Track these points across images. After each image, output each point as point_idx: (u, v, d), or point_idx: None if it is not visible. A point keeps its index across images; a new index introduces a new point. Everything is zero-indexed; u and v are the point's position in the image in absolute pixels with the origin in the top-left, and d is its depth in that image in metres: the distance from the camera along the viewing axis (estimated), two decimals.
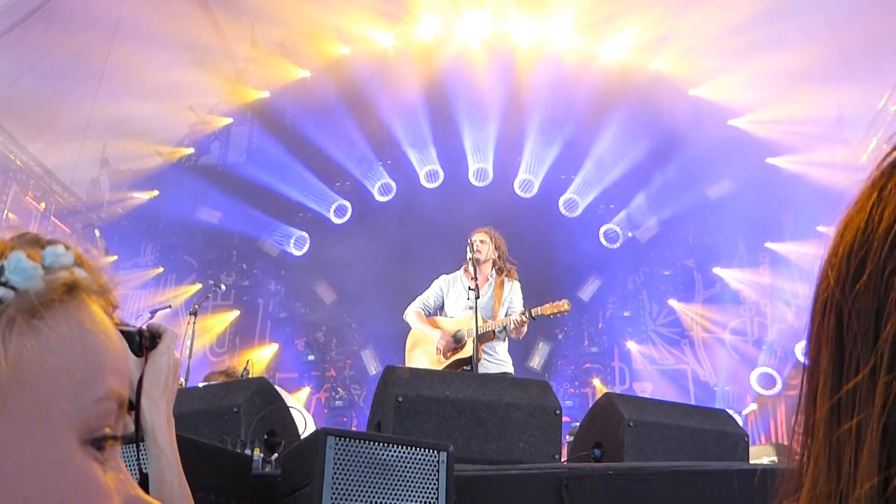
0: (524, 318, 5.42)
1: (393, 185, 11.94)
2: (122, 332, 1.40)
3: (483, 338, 5.51)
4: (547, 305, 5.48)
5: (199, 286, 11.69)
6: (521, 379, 4.07)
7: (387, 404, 3.51)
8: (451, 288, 6.13)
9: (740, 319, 11.03)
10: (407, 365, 5.91)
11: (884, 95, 10.42)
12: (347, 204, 12.01)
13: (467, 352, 5.60)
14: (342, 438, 2.56)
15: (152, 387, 1.39)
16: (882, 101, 10.48)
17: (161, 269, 12.19)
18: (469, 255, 5.87)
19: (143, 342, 1.41)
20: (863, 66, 10.00)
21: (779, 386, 10.45)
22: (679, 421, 3.96)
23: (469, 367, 5.57)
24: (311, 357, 11.44)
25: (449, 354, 5.71)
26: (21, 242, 0.70)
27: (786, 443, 9.76)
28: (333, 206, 12.01)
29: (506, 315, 5.84)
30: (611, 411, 3.89)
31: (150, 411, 1.41)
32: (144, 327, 1.45)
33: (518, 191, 11.65)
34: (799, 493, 0.59)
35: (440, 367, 5.65)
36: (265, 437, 3.60)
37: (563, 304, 5.41)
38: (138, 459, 1.35)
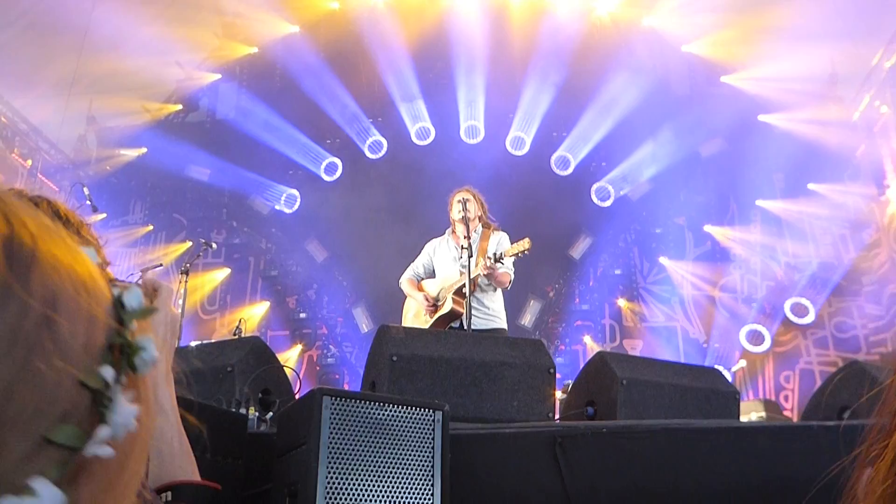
0: (489, 263, 5.43)
1: (384, 142, 11.85)
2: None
3: (462, 291, 5.53)
4: (509, 247, 5.49)
5: (189, 244, 11.64)
6: (514, 338, 4.07)
7: (381, 364, 3.51)
8: (437, 250, 6.14)
9: (730, 277, 11.08)
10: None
11: (877, 52, 10.36)
12: (338, 161, 11.93)
13: (446, 307, 5.63)
14: (337, 398, 2.56)
15: (158, 309, 1.33)
16: (876, 57, 10.43)
17: (150, 227, 12.13)
18: (459, 214, 5.85)
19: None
20: (857, 23, 9.93)
21: (767, 343, 10.54)
22: (671, 379, 3.98)
23: (457, 324, 5.61)
24: (302, 315, 11.44)
25: (432, 313, 5.74)
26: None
27: (773, 399, 9.89)
28: (324, 164, 11.93)
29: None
30: (604, 370, 3.91)
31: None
32: (139, 283, 1.44)
33: (510, 148, 11.59)
34: (884, 457, 0.58)
35: (426, 326, 5.67)
36: (260, 395, 3.61)
37: (524, 243, 5.40)
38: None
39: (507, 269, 5.62)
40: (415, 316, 6.00)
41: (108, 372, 0.55)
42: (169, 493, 1.37)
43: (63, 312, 0.53)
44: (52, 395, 0.52)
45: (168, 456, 1.42)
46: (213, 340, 6.46)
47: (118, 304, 0.58)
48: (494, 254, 5.43)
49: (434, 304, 5.72)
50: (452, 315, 5.52)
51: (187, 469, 1.42)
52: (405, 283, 6.10)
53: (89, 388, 0.54)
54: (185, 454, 1.43)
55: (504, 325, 5.82)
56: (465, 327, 5.20)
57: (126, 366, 0.57)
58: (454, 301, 5.49)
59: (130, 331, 0.58)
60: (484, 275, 5.50)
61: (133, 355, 0.58)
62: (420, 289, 6.01)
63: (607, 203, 11.46)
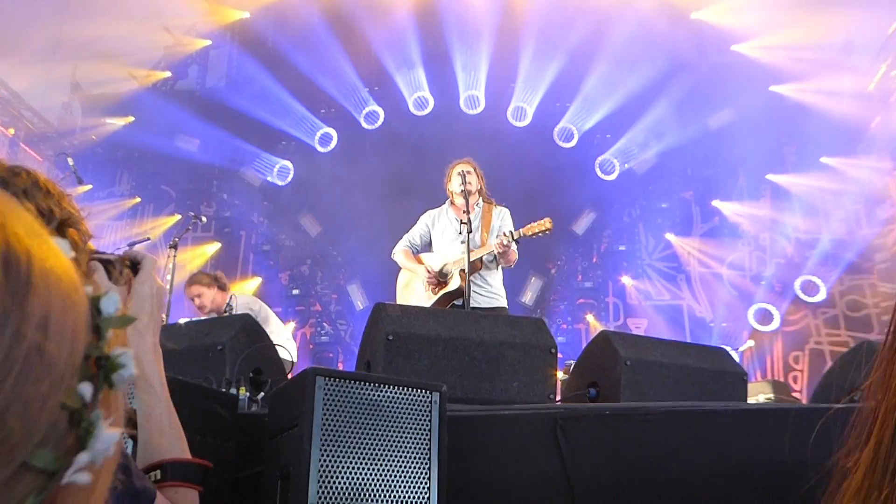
0: (507, 241, 5.41)
1: (380, 112, 11.80)
2: (101, 260, 1.42)
3: (472, 268, 5.51)
4: (528, 226, 5.48)
5: (178, 217, 11.62)
6: (515, 316, 4.07)
7: (377, 343, 3.51)
8: (436, 222, 6.12)
9: (738, 254, 11.08)
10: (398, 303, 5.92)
11: (895, 20, 10.28)
12: (333, 132, 11.88)
13: (454, 284, 5.61)
14: (331, 378, 2.55)
15: (136, 317, 1.33)
16: (893, 25, 10.35)
17: (138, 200, 12.09)
18: (459, 187, 5.83)
19: (125, 271, 1.42)
20: None
21: (777, 322, 10.56)
22: (677, 360, 3.98)
23: (460, 302, 5.60)
24: (295, 291, 11.46)
25: (436, 290, 5.73)
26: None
27: (782, 380, 9.92)
28: (318, 134, 11.88)
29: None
30: (607, 350, 3.90)
31: (136, 343, 1.42)
32: (122, 255, 1.48)
33: (511, 119, 11.54)
34: (867, 445, 0.59)
35: (429, 304, 5.66)
36: (251, 375, 3.60)
37: (546, 223, 5.40)
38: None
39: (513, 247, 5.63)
40: (408, 288, 5.99)
41: (86, 389, 0.54)
42: (158, 472, 1.39)
43: (52, 336, 0.52)
44: (36, 420, 0.51)
45: (157, 434, 1.42)
46: (202, 318, 6.46)
47: (95, 310, 0.57)
48: (511, 232, 5.42)
49: (437, 280, 5.70)
50: (458, 293, 5.51)
51: (177, 447, 1.43)
52: (400, 254, 6.09)
53: (68, 407, 0.53)
54: (175, 431, 1.45)
55: (505, 304, 5.83)
56: (465, 306, 5.20)
57: (103, 381, 0.56)
58: (461, 278, 5.48)
59: (107, 341, 0.56)
60: (498, 252, 5.49)
61: (111, 371, 0.56)
62: (420, 261, 6.00)
63: (612, 177, 11.44)
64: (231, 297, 6.73)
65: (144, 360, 1.42)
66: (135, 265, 1.47)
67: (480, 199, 6.05)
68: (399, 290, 6.13)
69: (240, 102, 11.73)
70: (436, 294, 5.69)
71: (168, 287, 6.54)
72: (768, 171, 11.10)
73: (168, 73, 12.45)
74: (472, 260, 5.42)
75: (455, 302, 5.67)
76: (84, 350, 0.55)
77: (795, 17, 10.47)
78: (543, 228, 5.38)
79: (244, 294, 7.46)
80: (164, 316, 6.28)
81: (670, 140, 11.14)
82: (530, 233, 5.40)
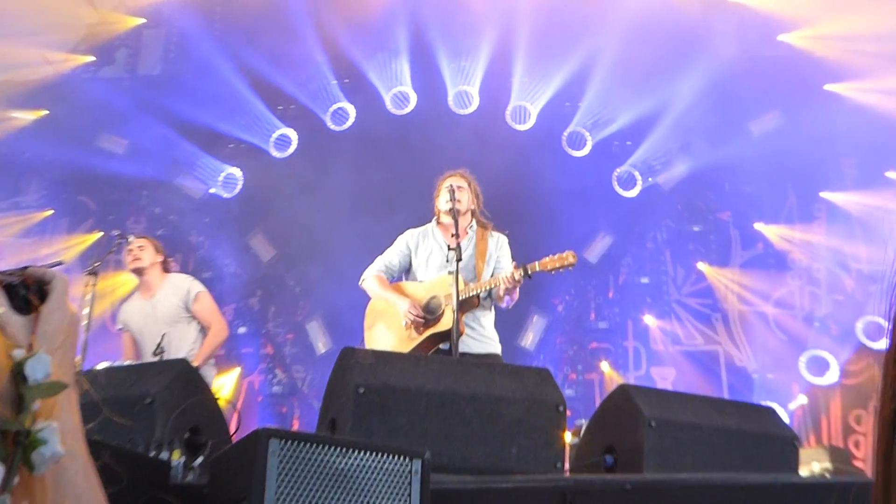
0: (518, 277, 5.42)
1: (351, 110, 11.83)
2: (3, 285, 1.33)
3: (465, 305, 5.52)
4: (547, 259, 5.50)
5: (98, 235, 11.57)
6: (514, 366, 4.07)
7: (344, 396, 3.49)
8: (420, 245, 6.13)
9: (787, 289, 11.12)
10: (367, 346, 5.90)
11: None
12: (292, 133, 11.90)
13: (445, 324, 5.59)
14: (288, 441, 2.54)
15: (47, 352, 1.21)
16: None
17: (50, 212, 12.05)
18: (447, 205, 5.85)
19: (30, 296, 1.34)
20: None
21: (835, 373, 10.59)
22: (713, 420, 3.99)
23: (446, 346, 5.58)
24: (241, 329, 11.41)
25: (421, 329, 5.71)
26: None
27: (841, 445, 9.93)
28: (274, 136, 11.90)
29: (492, 275, 5.85)
30: (627, 407, 3.91)
31: None
32: (27, 274, 1.39)
33: (510, 121, 11.60)
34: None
35: (410, 347, 5.65)
36: (187, 435, 3.58)
37: (568, 257, 5.45)
38: None
39: None
40: (380, 324, 5.96)
41: None
42: None
43: None
44: None
45: (73, 498, 1.38)
46: (127, 363, 6.42)
47: (19, 375, 0.55)
48: (524, 266, 5.44)
49: (424, 316, 5.69)
50: (449, 335, 5.49)
51: None
52: (372, 280, 6.08)
53: None
54: (93, 494, 1.41)
55: (499, 350, 5.83)
56: (453, 351, 5.18)
57: (20, 461, 0.54)
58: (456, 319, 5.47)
59: (30, 414, 0.55)
60: (505, 288, 5.51)
61: (31, 448, 0.55)
62: (399, 290, 5.98)
63: (632, 193, 11.49)
64: (162, 338, 6.73)
65: (57, 406, 1.36)
66: (42, 288, 1.39)
67: (474, 221, 6.07)
68: (367, 327, 6.11)
69: (178, 95, 11.73)
70: (420, 334, 5.67)
71: (85, 322, 6.50)
72: (823, 188, 11.19)
73: (91, 58, 12.44)
74: (468, 297, 5.42)
75: (441, 346, 5.66)
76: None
77: (855, 1, 10.60)
78: (566, 263, 5.43)
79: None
80: (74, 352, 6.29)
81: (704, 149, 11.21)
82: (550, 268, 5.44)
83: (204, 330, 7.12)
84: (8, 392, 0.56)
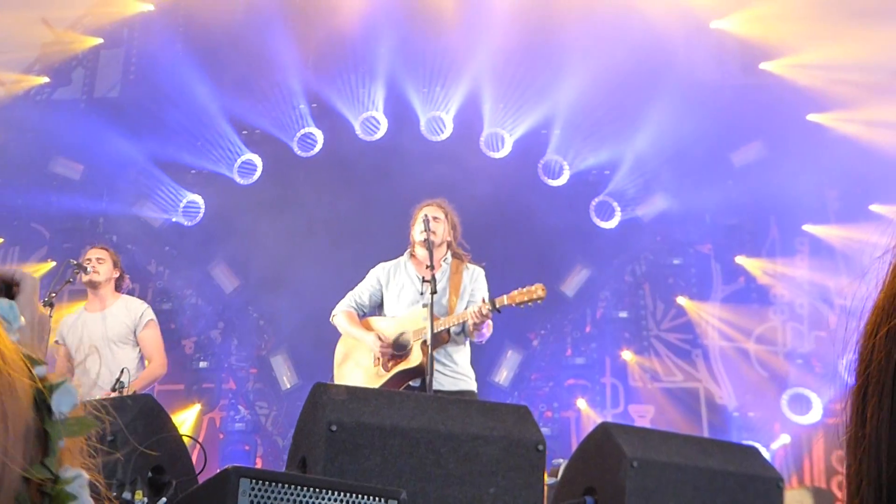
0: (486, 311, 5.45)
1: (319, 136, 11.82)
2: None
3: (436, 340, 5.53)
4: (515, 292, 5.54)
5: (51, 265, 11.47)
6: (492, 403, 4.08)
7: (315, 435, 3.49)
8: (391, 279, 6.15)
9: (769, 324, 11.19)
10: (336, 382, 5.90)
11: None
12: (257, 159, 11.87)
13: (414, 360, 5.61)
14: (259, 481, 2.54)
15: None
16: None
17: (0, 241, 11.94)
18: (421, 235, 5.88)
19: None
20: None
21: (817, 412, 10.65)
22: (696, 460, 4.01)
23: (417, 383, 5.60)
24: (202, 364, 11.33)
25: (389, 365, 5.72)
26: None
27: (825, 486, 9.98)
28: (238, 162, 11.86)
29: (465, 309, 5.88)
30: (608, 447, 3.92)
31: None
32: None
33: (485, 149, 11.63)
34: None
35: (379, 384, 5.66)
36: (150, 475, 3.56)
37: (538, 290, 5.49)
38: None
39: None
40: (349, 361, 5.98)
41: None
42: None
43: None
44: None
45: None
46: (86, 399, 6.35)
47: (42, 405, 0.52)
48: (492, 300, 5.48)
49: (392, 353, 5.70)
50: (418, 371, 5.51)
51: None
52: (341, 316, 6.10)
53: None
54: None
55: (474, 387, 5.85)
56: (427, 388, 5.20)
57: None
58: (423, 352, 5.49)
59: (57, 457, 0.53)
60: (473, 323, 5.54)
61: (58, 501, 0.53)
62: (367, 326, 6.00)
63: (611, 224, 11.54)
64: (122, 372, 6.68)
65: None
66: (9, 288, 1.45)
67: (449, 253, 6.10)
68: (337, 364, 6.12)
69: (137, 118, 11.69)
70: (388, 371, 5.69)
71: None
72: (806, 221, 11.27)
73: (46, 79, 12.38)
74: (437, 331, 5.44)
75: (411, 383, 5.67)
76: (22, 469, 0.52)
77: (839, 30, 10.72)
78: (535, 297, 5.47)
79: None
80: (45, 348, 6.26)
81: (684, 180, 11.27)
82: (518, 301, 5.48)
83: (143, 360, 7.15)
84: (33, 423, 0.54)
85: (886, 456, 0.75)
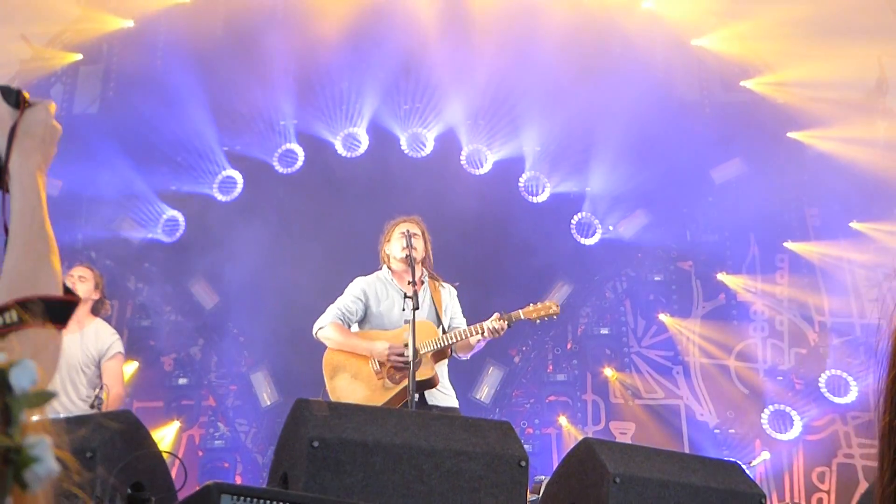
0: (500, 326, 5.50)
1: (299, 152, 11.80)
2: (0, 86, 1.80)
3: (439, 355, 5.58)
4: (531, 307, 5.60)
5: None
6: (475, 419, 4.08)
7: (297, 451, 3.47)
8: (379, 293, 6.15)
9: (750, 341, 11.21)
10: (332, 398, 5.87)
11: None
12: (237, 175, 11.83)
13: (425, 372, 5.62)
14: (241, 497, 2.52)
15: (25, 136, 1.76)
16: None
17: None
18: (402, 252, 5.90)
19: (21, 98, 1.79)
20: None
21: (797, 429, 10.67)
22: (679, 477, 4.01)
23: (418, 398, 5.62)
24: (182, 380, 11.27)
25: (398, 377, 5.70)
26: None
27: (804, 503, 10.00)
28: (218, 179, 11.82)
29: (449, 327, 5.91)
30: (591, 463, 3.92)
31: (20, 160, 1.75)
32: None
33: (466, 166, 11.64)
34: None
35: (387, 397, 5.65)
36: (129, 492, 3.53)
37: (552, 306, 5.59)
38: (3, 212, 1.71)
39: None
40: (343, 374, 5.93)
41: None
42: (13, 313, 1.51)
43: None
44: None
45: (29, 240, 1.70)
46: (64, 415, 6.32)
47: (2, 384, 0.55)
48: (508, 315, 5.53)
49: (402, 363, 5.67)
50: (430, 383, 5.54)
51: (48, 284, 1.65)
52: (331, 328, 6.06)
53: None
54: (47, 241, 1.73)
55: (457, 404, 5.85)
56: (410, 404, 5.19)
57: (12, 481, 0.54)
58: (432, 364, 5.52)
59: (19, 427, 0.55)
60: (487, 338, 5.59)
61: (23, 466, 0.55)
62: (366, 338, 5.98)
63: (592, 241, 11.55)
64: (101, 388, 6.68)
65: (25, 175, 1.73)
66: (18, 95, 1.81)
67: (425, 271, 6.11)
68: (329, 377, 6.05)
69: (117, 134, 11.62)
70: (397, 383, 5.66)
71: None
72: (786, 238, 11.32)
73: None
74: (448, 343, 5.46)
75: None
76: None
77: (818, 48, 10.79)
78: (549, 313, 5.53)
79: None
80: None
81: (665, 197, 11.30)
82: (535, 317, 5.53)
83: (99, 388, 7.04)
84: None
85: None
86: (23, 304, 1.52)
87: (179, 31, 11.84)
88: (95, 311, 7.46)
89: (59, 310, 1.60)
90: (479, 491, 3.60)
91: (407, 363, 5.63)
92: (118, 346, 7.31)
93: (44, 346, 1.54)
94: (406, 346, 5.70)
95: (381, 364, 5.78)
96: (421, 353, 5.66)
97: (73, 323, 6.74)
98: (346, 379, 5.89)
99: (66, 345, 7.00)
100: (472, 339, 5.75)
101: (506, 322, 5.53)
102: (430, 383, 5.58)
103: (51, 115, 1.82)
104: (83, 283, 7.25)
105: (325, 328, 6.05)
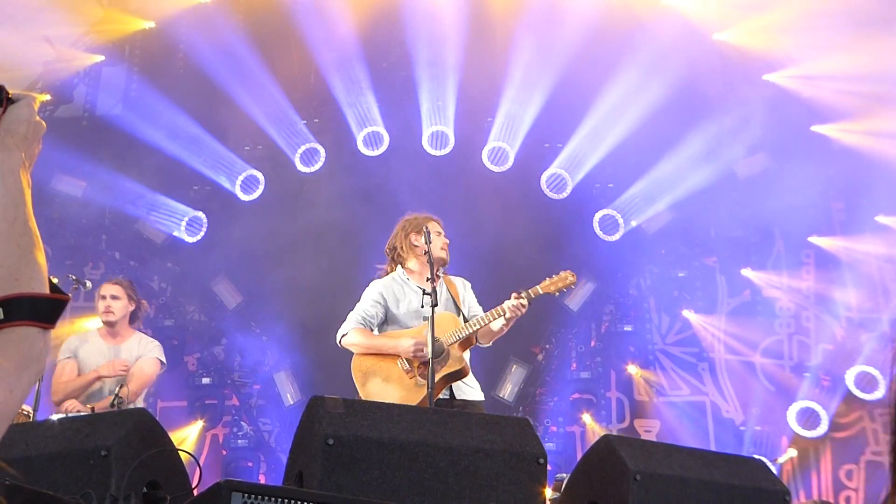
0: (523, 302, 5.49)
1: (321, 151, 11.82)
2: None
3: (465, 343, 5.60)
4: (548, 280, 5.60)
5: (54, 281, 11.43)
6: (493, 416, 4.04)
7: (312, 448, 3.45)
8: (398, 294, 6.16)
9: (776, 338, 11.15)
10: None
11: None
12: (259, 175, 11.87)
13: (455, 363, 5.63)
14: (252, 495, 2.50)
15: (7, 134, 1.76)
16: None
17: None
18: (439, 249, 5.93)
19: (3, 94, 1.81)
20: None
21: (824, 426, 10.59)
22: (701, 473, 3.97)
23: (448, 394, 5.64)
24: (205, 380, 11.31)
25: (423, 371, 5.70)
26: None
27: (832, 500, 9.91)
28: (240, 178, 11.86)
29: (465, 321, 5.92)
30: (611, 460, 3.88)
31: (2, 157, 1.75)
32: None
33: (487, 162, 11.61)
34: None
35: (422, 394, 5.63)
36: (144, 490, 3.53)
37: (567, 276, 5.60)
38: None
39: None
40: (376, 376, 5.93)
41: None
42: (0, 311, 1.54)
43: None
44: None
45: (7, 237, 1.67)
46: (81, 413, 6.35)
47: None
48: (526, 291, 5.56)
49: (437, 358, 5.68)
50: (461, 373, 5.57)
51: (32, 279, 1.67)
52: (355, 333, 6.08)
53: None
54: (31, 236, 1.72)
55: (482, 396, 5.86)
56: (429, 401, 5.18)
57: None
58: (459, 353, 5.54)
59: None
60: (509, 317, 5.60)
61: None
62: (391, 337, 6.01)
63: (615, 237, 11.51)
64: (120, 387, 6.70)
65: (9, 179, 1.72)
66: (12, 98, 1.84)
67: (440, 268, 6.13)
68: (360, 385, 6.05)
69: (139, 135, 11.68)
70: (424, 378, 5.65)
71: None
72: (811, 233, 11.24)
73: (48, 96, 12.39)
74: (471, 331, 5.47)
75: (440, 396, 5.68)
76: None
77: (842, 40, 10.69)
78: (567, 283, 5.53)
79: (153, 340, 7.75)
80: (29, 408, 6.39)
81: (688, 192, 11.23)
82: (553, 289, 5.52)
83: (118, 387, 7.05)
84: None
85: None
86: (8, 302, 1.51)
87: (199, 32, 11.88)
88: (134, 317, 7.55)
89: (46, 308, 1.57)
90: (496, 489, 3.56)
91: (434, 356, 5.64)
92: (158, 353, 7.40)
93: (30, 345, 1.53)
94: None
95: (409, 362, 5.79)
96: (447, 345, 5.66)
97: (109, 336, 6.87)
98: (378, 384, 5.88)
99: (98, 357, 7.08)
100: (495, 325, 5.75)
101: (525, 299, 5.51)
102: (462, 373, 5.60)
103: (34, 111, 1.84)
104: (116, 301, 7.36)
105: (349, 334, 6.06)
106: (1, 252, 1.60)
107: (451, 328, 5.68)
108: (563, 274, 5.58)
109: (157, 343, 7.51)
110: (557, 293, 5.64)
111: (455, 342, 5.65)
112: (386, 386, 5.83)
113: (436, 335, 5.68)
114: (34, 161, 1.80)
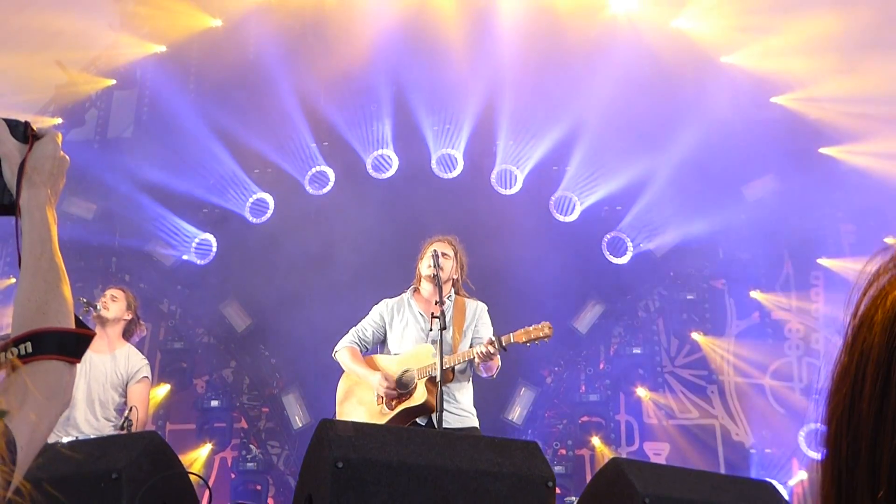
0: (490, 349, 5.43)
1: (330, 174, 11.86)
2: (6, 120, 1.90)
3: (440, 378, 5.52)
4: (521, 331, 5.52)
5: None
6: (501, 439, 4.04)
7: (321, 471, 3.45)
8: (395, 316, 6.15)
9: (785, 360, 11.12)
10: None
11: None
12: (269, 198, 11.91)
13: (418, 398, 5.60)
14: None
15: (34, 171, 1.82)
16: None
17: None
18: (429, 270, 5.89)
19: (29, 131, 1.88)
20: None
21: None
22: (710, 497, 3.96)
23: (426, 422, 5.58)
24: (214, 403, 11.30)
25: (394, 403, 5.70)
26: None
27: None
28: (250, 201, 11.89)
29: (470, 346, 5.87)
30: (620, 484, 3.87)
31: (30, 195, 1.79)
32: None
33: (496, 185, 11.64)
34: None
35: (382, 422, 5.63)
36: None
37: (544, 328, 5.47)
38: (18, 247, 1.73)
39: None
40: (351, 399, 5.96)
41: None
42: (29, 344, 1.56)
43: None
44: None
45: (35, 272, 1.70)
46: (91, 436, 6.35)
47: None
48: (498, 338, 5.48)
49: (397, 390, 5.68)
50: (424, 409, 5.50)
51: (59, 313, 1.67)
52: (344, 352, 6.10)
53: None
54: (57, 271, 1.74)
55: (477, 424, 5.82)
56: (438, 424, 5.17)
57: None
58: (428, 389, 5.48)
59: None
60: (478, 361, 5.52)
61: None
62: (372, 364, 5.99)
63: (623, 259, 11.51)
64: (130, 410, 6.69)
65: (35, 208, 1.77)
66: (39, 136, 1.90)
67: (453, 290, 6.08)
68: (339, 401, 6.11)
69: (150, 158, 11.73)
70: (392, 409, 5.66)
71: None
72: (820, 255, 11.23)
73: (59, 120, 12.46)
74: (438, 366, 5.42)
75: (418, 420, 5.65)
76: None
77: (849, 62, 10.72)
78: (541, 335, 5.44)
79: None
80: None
81: (697, 214, 11.23)
82: (525, 340, 5.44)
83: (129, 410, 7.02)
84: None
85: None
86: (37, 337, 1.56)
87: (210, 56, 11.97)
88: (128, 331, 7.43)
89: (72, 343, 1.63)
90: None
91: (400, 395, 5.65)
92: (146, 371, 7.28)
93: (57, 378, 1.58)
94: (398, 379, 5.72)
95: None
96: (417, 378, 5.65)
97: (104, 342, 6.81)
98: (352, 404, 5.93)
99: (97, 363, 7.04)
100: (473, 362, 5.69)
101: (493, 347, 5.45)
102: (425, 409, 5.54)
103: (58, 146, 1.91)
104: (115, 302, 7.25)
105: (340, 351, 6.11)
106: (29, 287, 1.64)
107: (426, 362, 5.66)
108: (541, 325, 5.51)
109: (143, 359, 7.39)
110: (529, 344, 5.55)
111: (424, 378, 5.63)
112: (357, 407, 5.87)
113: (410, 367, 5.71)
114: (59, 196, 1.86)
